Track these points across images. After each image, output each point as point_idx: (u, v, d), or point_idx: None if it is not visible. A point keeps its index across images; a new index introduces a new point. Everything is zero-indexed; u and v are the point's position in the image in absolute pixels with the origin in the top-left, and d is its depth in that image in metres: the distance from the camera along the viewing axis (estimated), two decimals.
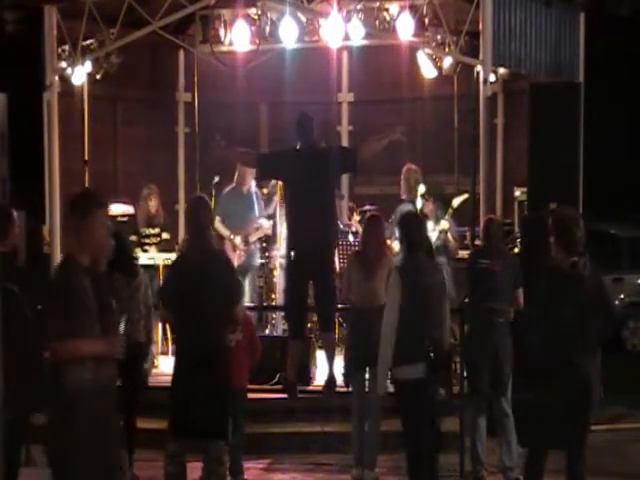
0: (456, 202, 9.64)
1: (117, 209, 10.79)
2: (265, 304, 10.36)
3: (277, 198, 10.24)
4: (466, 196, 9.60)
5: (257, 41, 10.71)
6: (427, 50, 10.59)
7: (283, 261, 9.92)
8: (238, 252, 10.10)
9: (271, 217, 10.54)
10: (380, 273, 7.30)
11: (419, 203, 9.74)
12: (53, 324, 4.69)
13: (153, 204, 10.49)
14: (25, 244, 9.66)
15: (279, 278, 10.28)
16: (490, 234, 7.67)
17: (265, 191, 10.57)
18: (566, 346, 5.79)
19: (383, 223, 7.86)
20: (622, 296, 13.45)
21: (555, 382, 5.83)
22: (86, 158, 11.04)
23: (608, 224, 13.37)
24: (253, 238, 10.31)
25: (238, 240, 10.15)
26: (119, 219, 10.67)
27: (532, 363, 6.07)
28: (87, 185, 11.01)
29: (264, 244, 10.60)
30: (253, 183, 10.34)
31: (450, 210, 9.66)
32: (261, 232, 10.39)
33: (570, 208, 6.23)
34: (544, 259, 6.08)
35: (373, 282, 7.36)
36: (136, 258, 7.79)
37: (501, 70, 10.26)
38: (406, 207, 9.56)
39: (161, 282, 9.50)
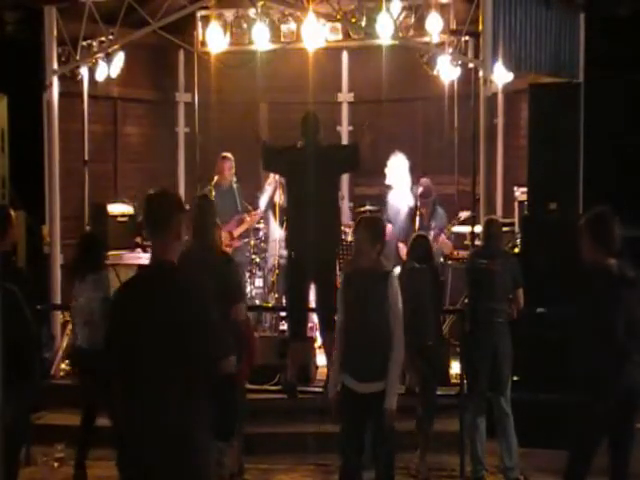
0: (463, 216, 9.88)
1: (117, 209, 10.81)
2: (265, 304, 10.35)
3: (269, 194, 10.30)
4: (468, 214, 9.71)
5: (257, 41, 10.71)
6: (427, 50, 10.58)
7: (283, 261, 9.93)
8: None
9: (265, 212, 10.56)
10: None
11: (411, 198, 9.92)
12: (223, 335, 4.14)
13: None
14: (25, 244, 9.69)
15: (279, 278, 10.27)
16: (490, 234, 7.67)
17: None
18: (615, 351, 5.68)
19: None
20: None
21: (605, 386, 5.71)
22: (86, 158, 11.04)
23: None
24: (237, 232, 10.32)
25: (223, 236, 10.16)
26: (119, 219, 10.69)
27: (581, 367, 5.93)
28: (87, 185, 11.04)
29: (262, 244, 10.61)
30: (234, 179, 10.46)
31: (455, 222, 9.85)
32: (245, 225, 10.40)
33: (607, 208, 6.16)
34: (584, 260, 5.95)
35: None
36: (97, 263, 7.58)
37: (501, 70, 10.25)
38: (395, 194, 9.79)
39: None
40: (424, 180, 10.23)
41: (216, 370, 4.03)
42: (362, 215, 7.48)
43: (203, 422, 3.98)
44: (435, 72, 10.88)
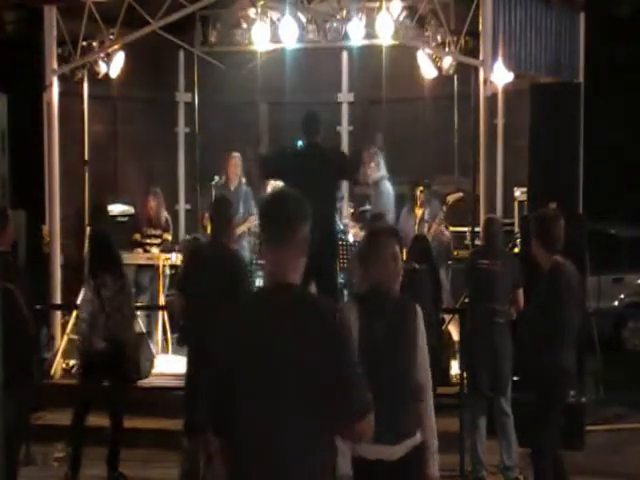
0: (450, 199, 9.80)
1: (117, 209, 10.82)
2: None
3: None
4: (461, 195, 9.70)
5: (257, 41, 10.72)
6: (427, 50, 10.59)
7: None
8: None
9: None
10: None
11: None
12: (363, 388, 3.15)
13: (152, 205, 10.48)
14: (25, 244, 9.69)
15: None
16: (490, 234, 7.66)
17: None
18: (543, 345, 5.95)
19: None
20: (622, 296, 13.44)
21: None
22: (86, 158, 11.04)
23: (608, 224, 13.37)
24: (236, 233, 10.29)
25: None
26: (119, 219, 10.70)
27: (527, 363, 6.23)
28: (87, 185, 11.04)
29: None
30: (243, 180, 10.41)
31: (444, 207, 9.80)
32: (243, 227, 10.35)
33: (553, 208, 6.37)
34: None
35: None
36: (121, 259, 7.71)
37: (501, 70, 10.27)
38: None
39: (167, 279, 9.60)
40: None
41: (351, 431, 3.16)
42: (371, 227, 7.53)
43: (327, 468, 3.23)
44: (434, 72, 10.89)
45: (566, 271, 6.00)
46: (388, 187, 10.20)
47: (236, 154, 10.44)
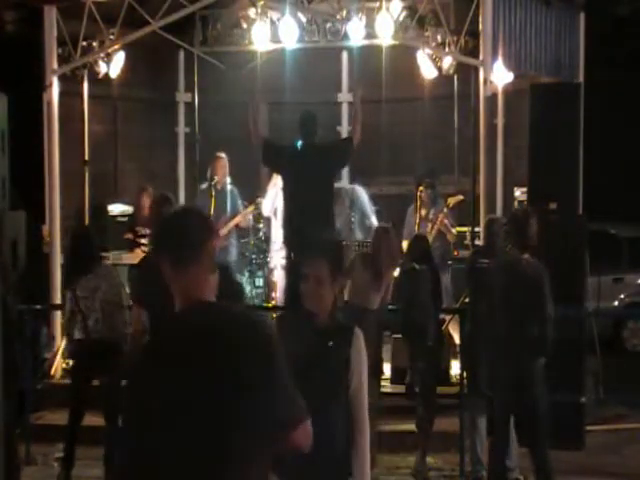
0: (451, 201, 9.81)
1: (117, 209, 10.82)
2: (265, 304, 10.35)
3: (271, 198, 10.26)
4: (461, 198, 9.69)
5: (257, 41, 10.71)
6: (427, 50, 10.59)
7: (284, 261, 9.94)
8: None
9: (265, 218, 10.54)
10: (386, 279, 7.32)
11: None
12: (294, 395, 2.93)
13: (145, 204, 10.46)
14: (25, 244, 9.68)
15: (279, 278, 10.27)
16: (491, 234, 7.67)
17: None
18: (505, 344, 6.05)
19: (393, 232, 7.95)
20: (622, 296, 13.44)
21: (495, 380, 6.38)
22: (86, 158, 11.04)
23: (608, 224, 13.37)
24: (221, 232, 10.25)
25: None
26: (119, 219, 10.69)
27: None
28: (87, 185, 11.04)
29: (264, 245, 10.60)
30: (228, 180, 10.41)
31: (445, 208, 9.81)
32: (230, 225, 10.32)
33: (527, 207, 6.60)
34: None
35: (378, 285, 7.31)
36: (97, 257, 7.65)
37: (501, 70, 10.26)
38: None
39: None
40: None
41: (284, 443, 2.94)
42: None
43: None
44: (434, 72, 10.89)
45: (520, 269, 6.14)
46: (358, 195, 10.27)
47: (222, 155, 10.49)
